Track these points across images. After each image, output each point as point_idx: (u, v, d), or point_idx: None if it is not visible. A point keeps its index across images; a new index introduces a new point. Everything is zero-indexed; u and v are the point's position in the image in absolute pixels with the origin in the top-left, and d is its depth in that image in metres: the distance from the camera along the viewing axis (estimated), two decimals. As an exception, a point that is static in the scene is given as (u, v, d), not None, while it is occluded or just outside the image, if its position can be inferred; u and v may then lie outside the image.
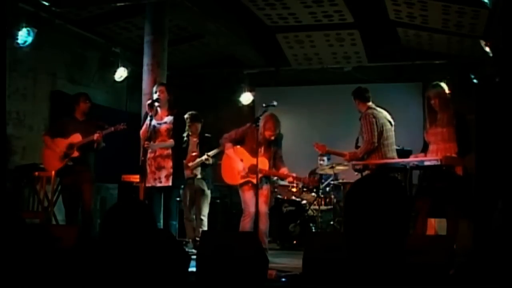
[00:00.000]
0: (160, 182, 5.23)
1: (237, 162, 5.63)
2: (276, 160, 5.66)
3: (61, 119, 6.08)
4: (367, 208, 1.65)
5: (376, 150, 5.46)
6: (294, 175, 5.63)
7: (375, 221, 1.64)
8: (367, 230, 1.64)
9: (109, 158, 6.61)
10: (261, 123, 5.43)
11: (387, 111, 5.81)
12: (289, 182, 5.63)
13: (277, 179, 7.56)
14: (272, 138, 5.55)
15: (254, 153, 5.40)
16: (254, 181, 5.37)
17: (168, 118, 5.43)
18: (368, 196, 1.67)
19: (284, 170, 5.62)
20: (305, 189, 7.82)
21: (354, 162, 5.59)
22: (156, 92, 5.45)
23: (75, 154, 5.78)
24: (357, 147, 5.83)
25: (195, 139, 6.58)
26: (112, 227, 1.98)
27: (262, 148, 5.53)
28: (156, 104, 5.38)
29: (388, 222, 1.65)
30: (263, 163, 5.49)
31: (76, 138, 5.81)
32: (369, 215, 1.65)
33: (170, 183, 5.23)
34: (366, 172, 5.44)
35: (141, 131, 5.40)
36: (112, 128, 5.69)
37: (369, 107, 5.61)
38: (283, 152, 5.79)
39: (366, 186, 1.72)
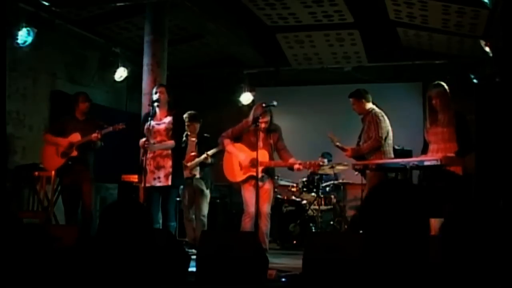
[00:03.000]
0: (160, 181, 5.23)
1: (239, 154, 5.56)
2: (281, 152, 5.60)
3: (62, 118, 6.11)
4: (388, 212, 1.68)
5: (380, 149, 5.51)
6: (299, 162, 5.43)
7: (397, 224, 1.67)
8: (390, 232, 1.66)
9: (109, 158, 6.61)
10: (251, 115, 5.43)
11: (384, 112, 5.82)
12: (296, 170, 5.46)
13: (277, 179, 7.56)
14: (267, 120, 5.47)
15: (253, 147, 5.35)
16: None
17: (167, 119, 5.44)
18: (389, 200, 1.70)
19: (292, 160, 5.50)
20: (305, 189, 7.82)
21: (353, 162, 5.60)
22: (156, 93, 5.46)
23: (74, 153, 5.82)
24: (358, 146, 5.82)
25: (193, 139, 6.57)
26: (108, 225, 1.99)
27: (261, 141, 5.46)
28: (155, 104, 5.39)
29: (410, 224, 1.67)
30: (263, 155, 5.41)
31: (76, 137, 5.84)
32: (391, 218, 1.67)
33: (169, 183, 5.22)
34: (367, 172, 5.45)
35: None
36: (111, 128, 5.71)
37: (373, 108, 5.68)
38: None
39: (386, 190, 1.74)
